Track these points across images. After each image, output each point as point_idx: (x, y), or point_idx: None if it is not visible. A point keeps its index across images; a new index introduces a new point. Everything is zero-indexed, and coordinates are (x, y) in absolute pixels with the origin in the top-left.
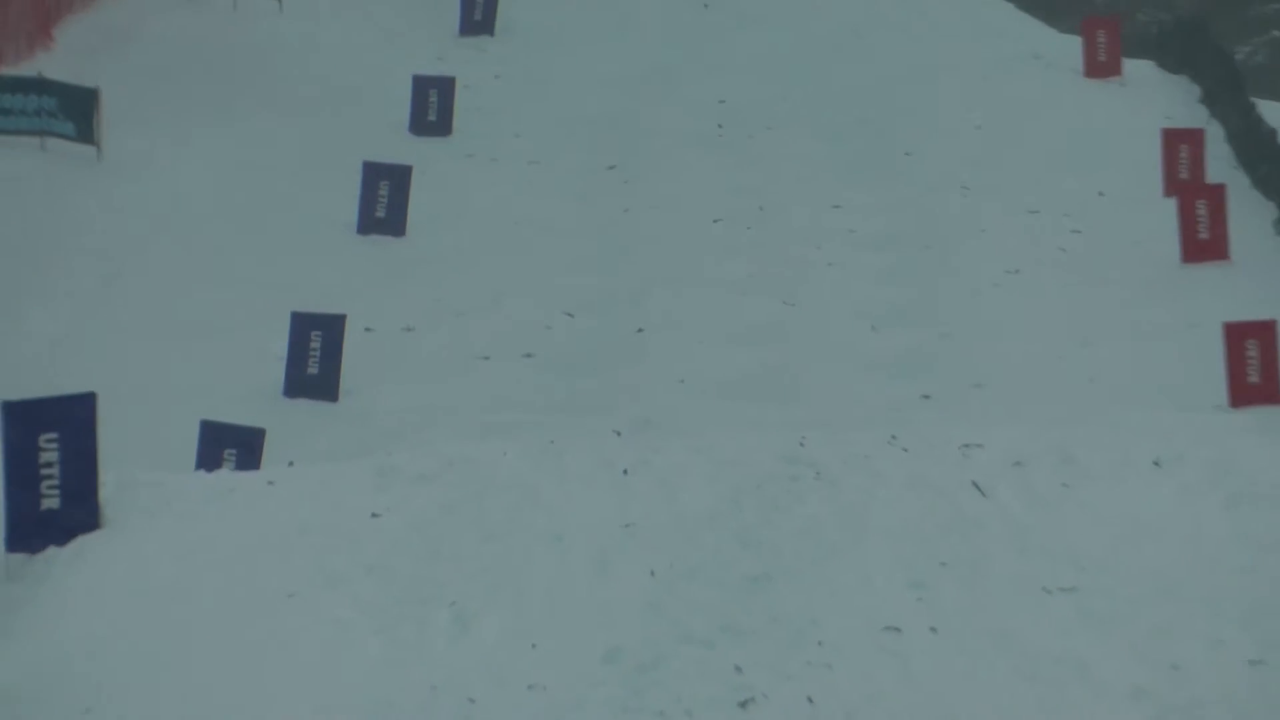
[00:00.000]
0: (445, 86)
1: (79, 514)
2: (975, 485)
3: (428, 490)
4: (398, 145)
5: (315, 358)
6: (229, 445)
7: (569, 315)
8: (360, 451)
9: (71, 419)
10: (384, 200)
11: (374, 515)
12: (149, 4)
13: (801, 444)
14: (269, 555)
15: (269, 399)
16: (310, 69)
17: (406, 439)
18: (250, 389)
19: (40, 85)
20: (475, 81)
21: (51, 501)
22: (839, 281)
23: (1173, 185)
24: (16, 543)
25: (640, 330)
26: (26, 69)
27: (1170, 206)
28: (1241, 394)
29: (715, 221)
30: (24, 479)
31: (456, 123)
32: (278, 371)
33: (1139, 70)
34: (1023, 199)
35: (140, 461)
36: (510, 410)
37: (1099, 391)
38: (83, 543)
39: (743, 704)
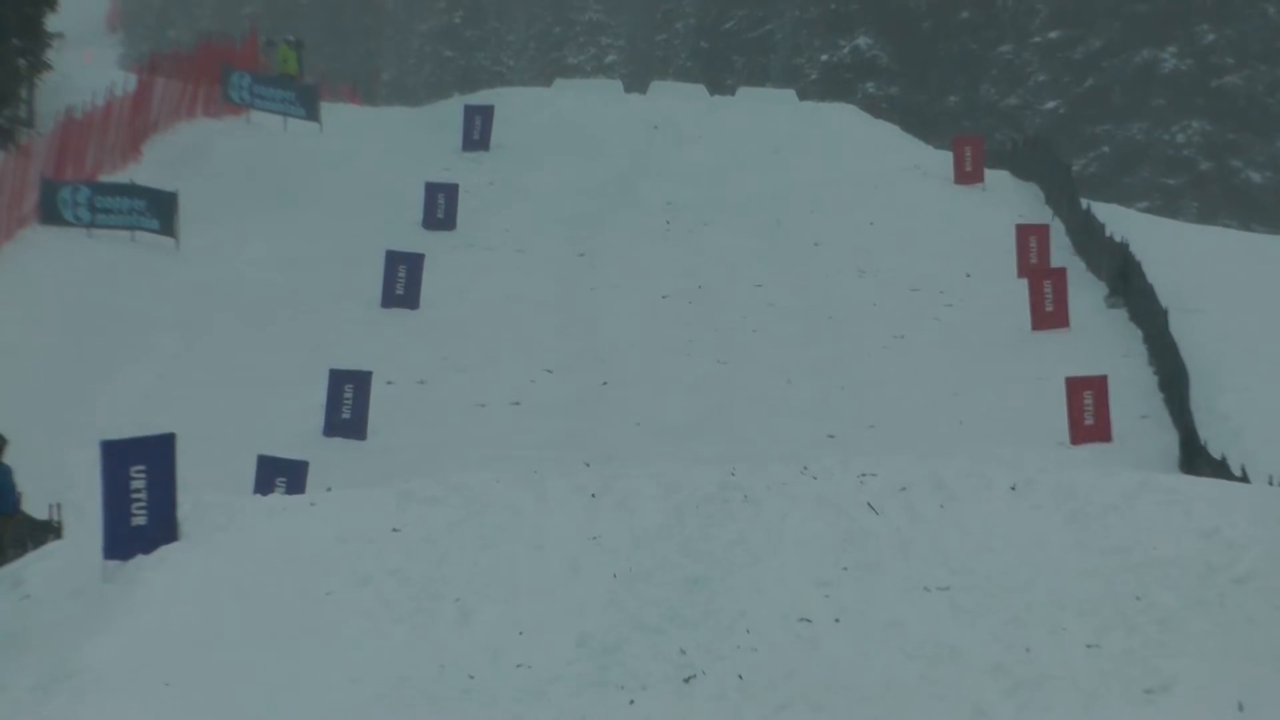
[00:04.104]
0: (451, 191)
1: (161, 529)
2: (870, 505)
3: (437, 510)
4: (413, 237)
5: (348, 405)
6: (280, 475)
7: (548, 371)
8: (384, 479)
9: (156, 454)
10: (402, 280)
11: (395, 530)
12: (216, 127)
13: (732, 473)
14: (311, 561)
15: (311, 438)
16: (344, 178)
17: (420, 469)
18: (297, 430)
19: (131, 190)
20: (474, 187)
21: (140, 519)
22: (761, 345)
23: (1024, 269)
24: (112, 552)
25: (605, 383)
26: (120, 177)
27: (1022, 286)
28: (1080, 433)
29: (664, 297)
30: (118, 502)
31: (459, 219)
32: (318, 416)
33: (997, 178)
34: (906, 279)
35: (210, 487)
36: (502, 447)
37: (967, 431)
38: (164, 552)
39: (686, 679)
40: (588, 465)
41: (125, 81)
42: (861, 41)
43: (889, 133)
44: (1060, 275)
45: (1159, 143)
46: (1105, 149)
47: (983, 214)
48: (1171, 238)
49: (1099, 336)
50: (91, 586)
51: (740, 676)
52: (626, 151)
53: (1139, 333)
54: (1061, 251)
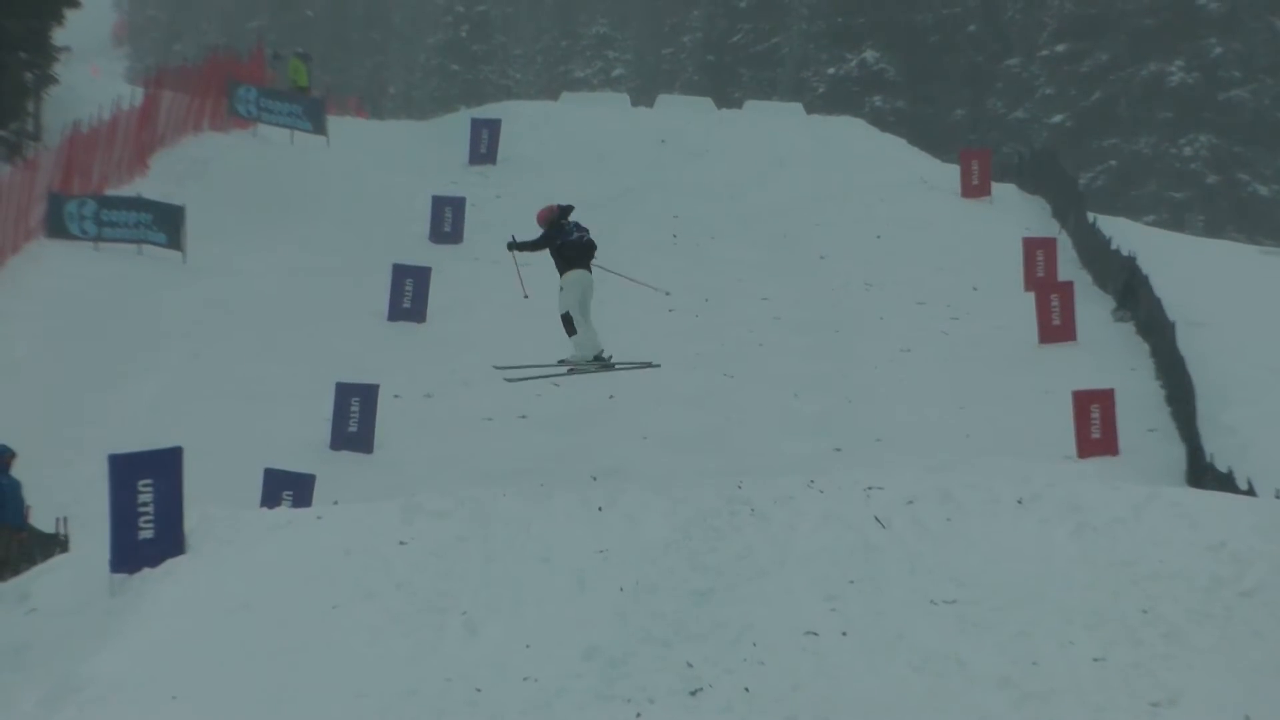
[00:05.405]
0: (457, 204)
1: (168, 542)
2: (876, 519)
3: (444, 523)
4: (420, 250)
5: (355, 418)
6: (286, 488)
7: (555, 384)
8: (391, 493)
9: (163, 468)
10: (409, 294)
11: (401, 543)
12: (223, 140)
13: (739, 487)
14: (318, 575)
15: (318, 451)
16: (351, 191)
17: (427, 483)
18: (303, 443)
19: (138, 203)
20: (481, 200)
21: (147, 533)
22: (767, 358)
23: (1031, 282)
24: (119, 565)
25: (611, 397)
26: (127, 191)
27: (1029, 299)
28: (1086, 447)
29: (670, 311)
30: (125, 515)
31: (466, 233)
32: (325, 429)
33: (1004, 191)
34: (912, 293)
35: (216, 500)
36: (509, 460)
37: (973, 444)
38: (171, 565)
39: (693, 692)
40: (594, 479)
41: (132, 95)
42: (868, 55)
43: (896, 146)
44: (1067, 289)
45: (1166, 156)
46: (1112, 162)
47: (990, 227)
48: (1179, 251)
49: (1106, 350)
50: (98, 600)
51: (747, 689)
52: (633, 165)
53: (1146, 346)
54: (1068, 265)
